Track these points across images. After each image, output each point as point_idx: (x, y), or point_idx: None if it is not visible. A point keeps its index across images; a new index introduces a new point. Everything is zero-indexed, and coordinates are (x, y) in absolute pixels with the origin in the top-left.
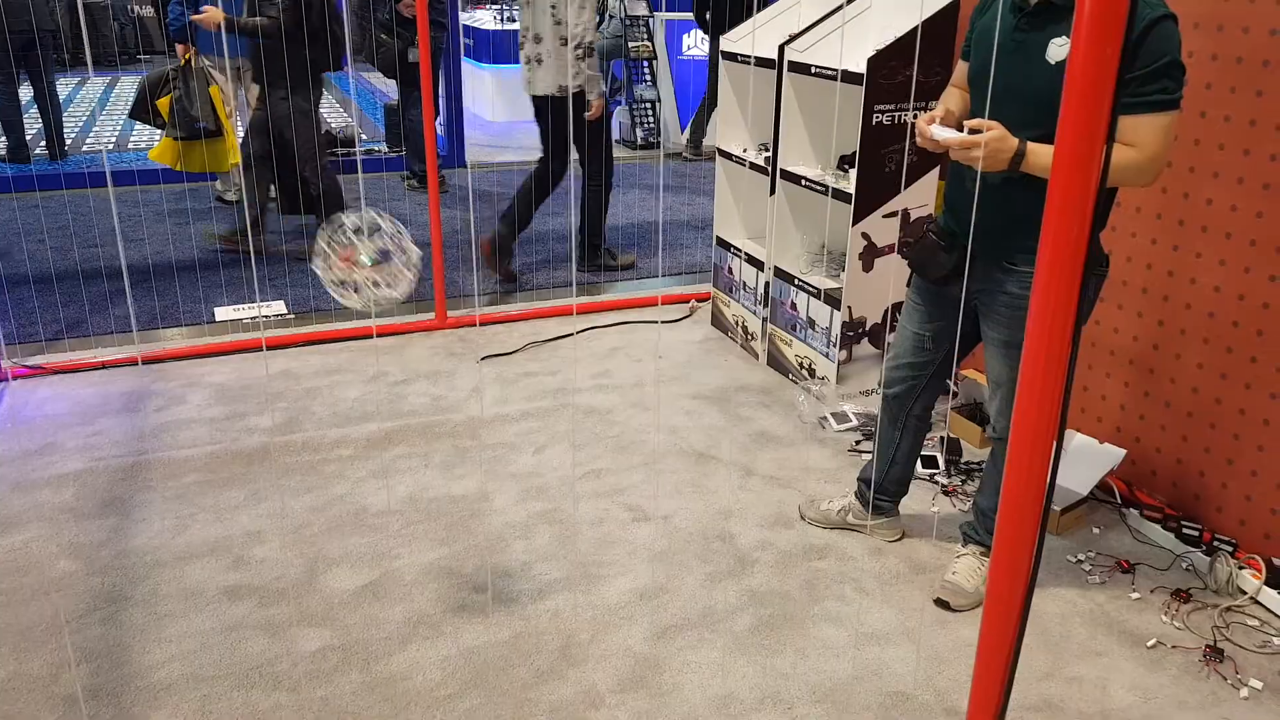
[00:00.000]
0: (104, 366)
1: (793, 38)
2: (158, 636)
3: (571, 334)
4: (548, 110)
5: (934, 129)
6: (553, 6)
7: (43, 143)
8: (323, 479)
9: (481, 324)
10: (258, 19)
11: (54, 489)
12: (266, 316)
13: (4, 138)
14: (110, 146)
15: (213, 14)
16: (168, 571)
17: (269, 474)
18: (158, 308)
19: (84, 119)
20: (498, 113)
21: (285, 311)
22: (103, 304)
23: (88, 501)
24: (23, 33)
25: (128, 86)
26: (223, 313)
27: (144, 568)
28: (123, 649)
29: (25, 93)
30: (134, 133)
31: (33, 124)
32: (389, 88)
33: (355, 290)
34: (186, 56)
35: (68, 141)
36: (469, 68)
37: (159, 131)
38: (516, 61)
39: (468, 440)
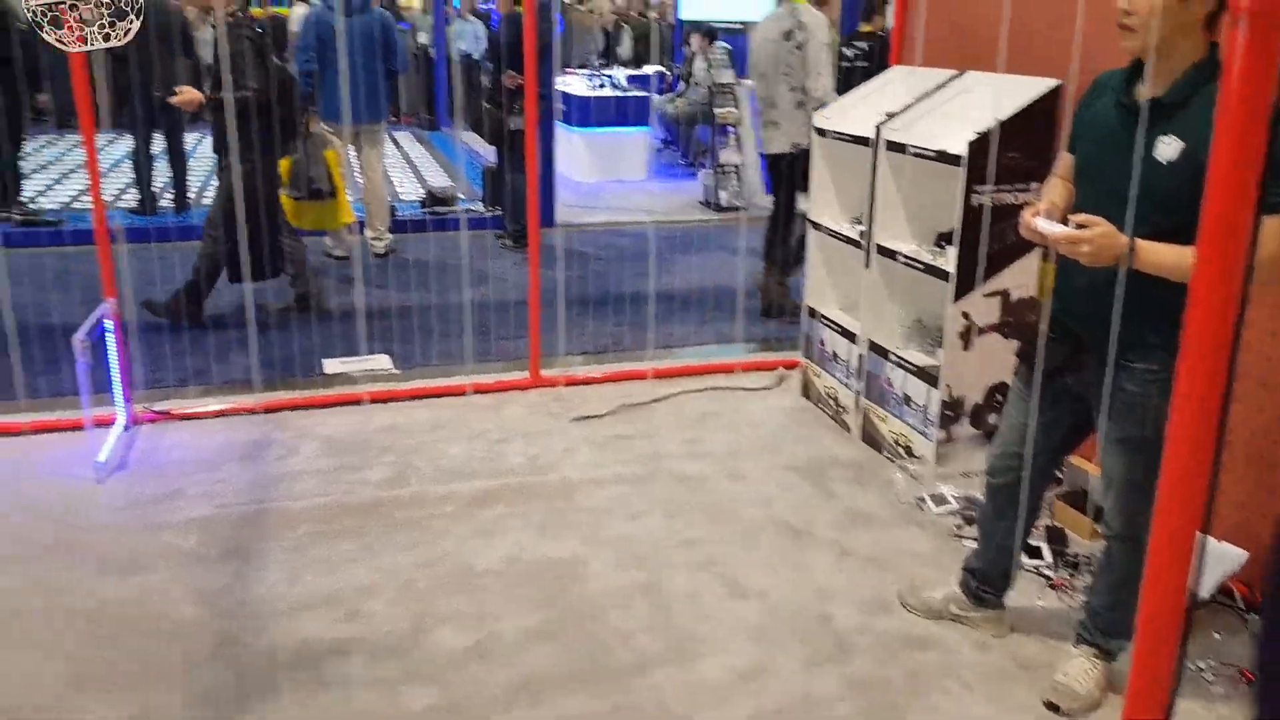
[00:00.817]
0: (225, 415)
1: (890, 116)
2: (274, 686)
3: (662, 398)
4: (781, 166)
5: (1038, 222)
6: (786, 73)
7: (168, 195)
8: (428, 535)
9: (574, 384)
10: (232, 95)
11: (180, 533)
12: (373, 370)
13: (136, 190)
14: None
15: (190, 95)
16: (284, 621)
17: (378, 528)
18: (275, 357)
19: (206, 174)
20: (587, 174)
21: (390, 366)
22: (225, 352)
23: (210, 547)
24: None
25: None
26: (331, 365)
27: (262, 616)
28: (242, 697)
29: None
30: None
31: (159, 177)
32: (487, 149)
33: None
34: (308, 122)
35: (190, 194)
36: (560, 131)
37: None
38: (606, 125)
39: (563, 502)
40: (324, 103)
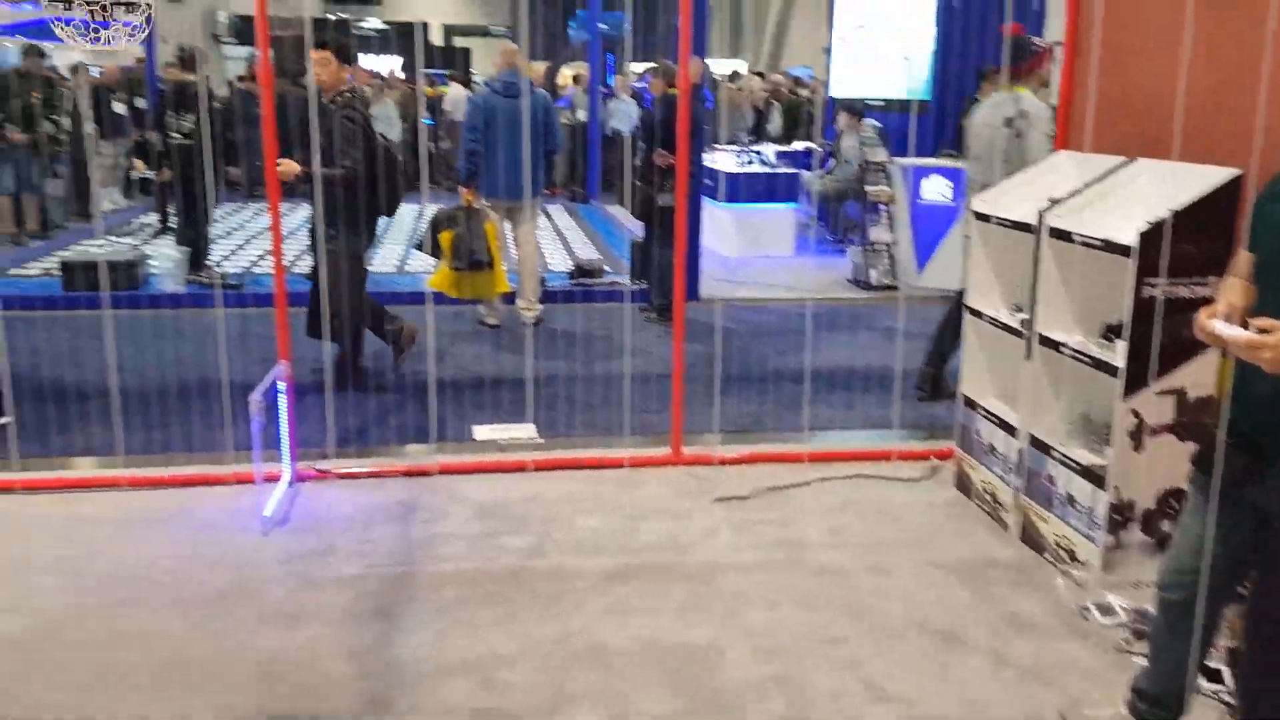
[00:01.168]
0: (379, 476)
1: (1054, 202)
2: None
3: (806, 483)
4: None
5: (1216, 324)
6: (1004, 160)
7: None
8: (566, 608)
9: (715, 463)
10: (333, 170)
11: (334, 590)
12: (518, 439)
13: (311, 256)
14: (395, 269)
15: (289, 166)
16: (427, 684)
17: (519, 597)
18: (427, 421)
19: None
20: (733, 248)
21: (535, 435)
22: (382, 415)
23: (361, 605)
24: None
25: (407, 212)
26: (480, 432)
27: (407, 678)
28: None
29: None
30: (410, 257)
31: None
32: (635, 224)
33: None
34: (469, 199)
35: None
36: (707, 205)
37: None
38: (754, 201)
39: (701, 586)
40: (486, 180)
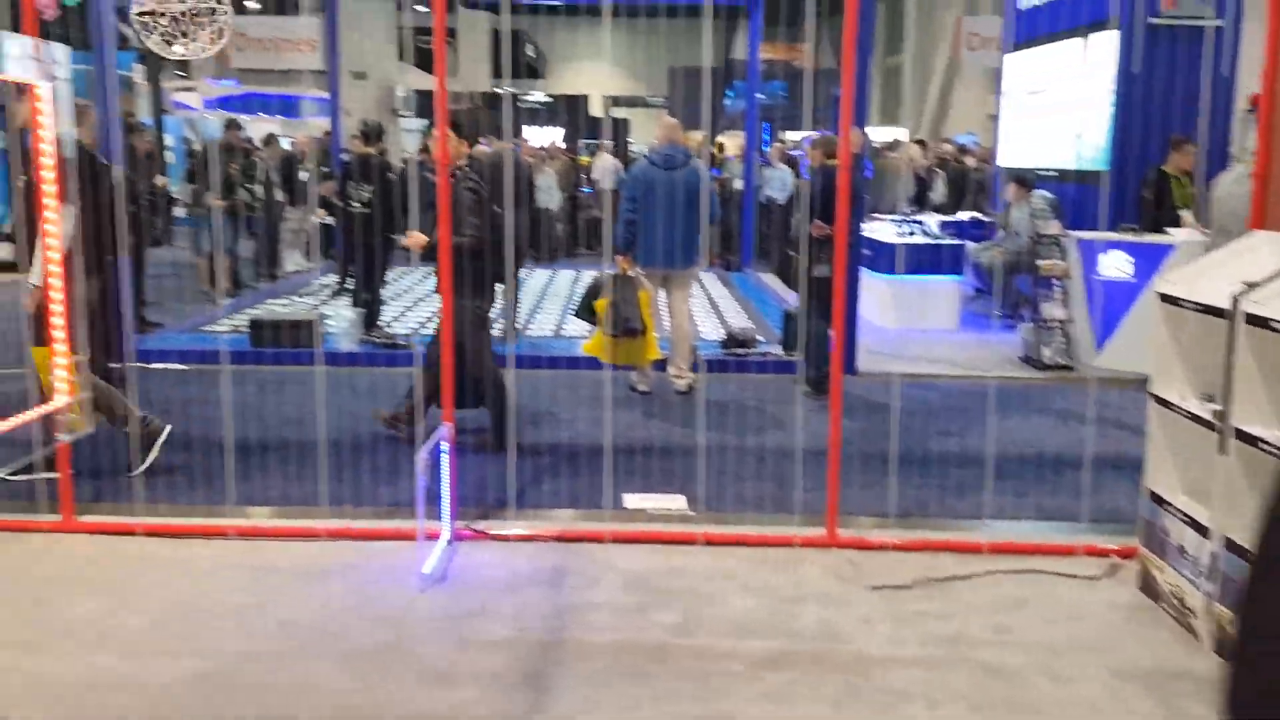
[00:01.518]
0: (533, 539)
1: (1250, 286)
2: None
3: (971, 575)
4: None
5: None
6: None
7: (500, 323)
8: (714, 691)
9: (872, 548)
10: (459, 238)
11: (487, 652)
12: (669, 510)
13: None
14: (551, 333)
15: (416, 238)
16: None
17: (667, 674)
18: (578, 485)
19: (530, 306)
20: (892, 320)
21: (686, 507)
22: (538, 477)
23: (513, 670)
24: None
25: (564, 278)
26: (631, 500)
27: None
28: None
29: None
30: (566, 322)
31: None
32: (789, 293)
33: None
34: (625, 267)
35: (519, 323)
36: (865, 276)
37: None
38: (915, 272)
39: (858, 678)
40: (642, 249)
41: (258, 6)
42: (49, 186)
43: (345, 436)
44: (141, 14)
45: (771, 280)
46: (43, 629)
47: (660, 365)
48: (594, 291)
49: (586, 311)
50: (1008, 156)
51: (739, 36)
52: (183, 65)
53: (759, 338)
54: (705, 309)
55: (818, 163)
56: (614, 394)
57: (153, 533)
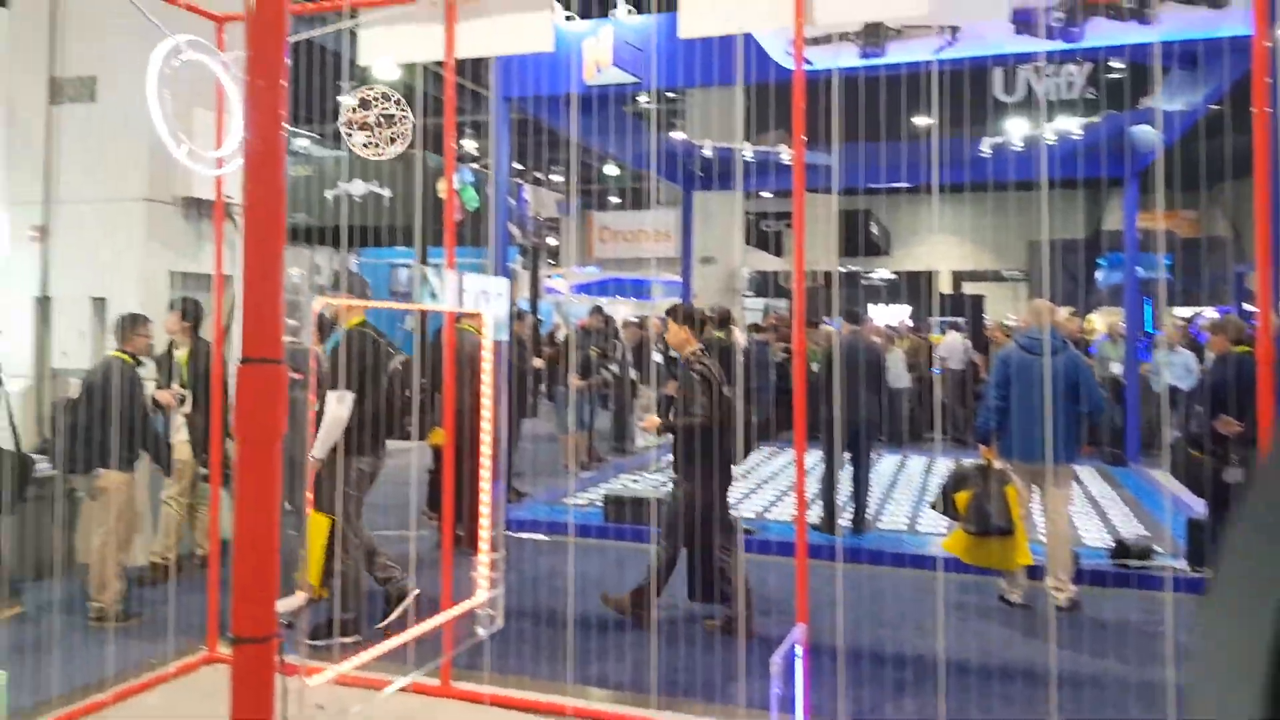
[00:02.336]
0: None
1: None
2: None
3: None
4: None
5: None
6: None
7: (846, 514)
8: None
9: None
10: (687, 419)
11: None
12: None
13: (821, 506)
14: (904, 526)
15: (651, 422)
16: None
17: None
18: (936, 704)
19: (880, 494)
20: None
21: None
22: (898, 692)
23: None
24: (853, 421)
25: (915, 465)
26: None
27: None
28: None
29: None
30: (921, 515)
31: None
32: (1192, 498)
33: None
34: (989, 458)
35: (869, 514)
36: None
37: (944, 518)
38: None
39: None
40: (1007, 440)
41: (618, 201)
42: (486, 389)
43: (679, 619)
44: (345, 125)
45: (1165, 479)
46: None
47: (1033, 572)
48: (955, 483)
49: (945, 504)
50: None
51: (1110, 205)
52: (554, 254)
53: (1156, 548)
54: (1086, 509)
55: (1220, 349)
56: (977, 601)
57: (497, 703)
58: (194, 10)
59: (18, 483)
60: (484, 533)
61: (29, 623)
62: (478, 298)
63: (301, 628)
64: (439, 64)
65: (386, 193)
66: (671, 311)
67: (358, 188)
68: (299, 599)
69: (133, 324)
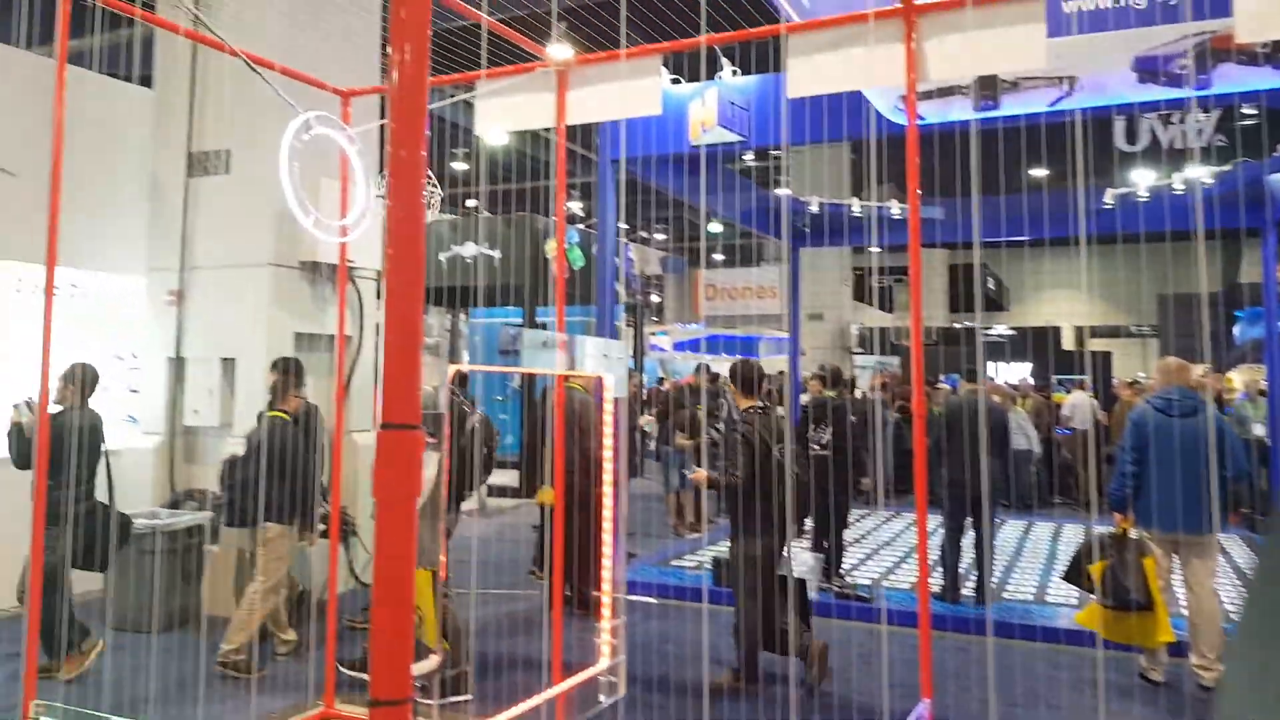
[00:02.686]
0: None
1: None
2: None
3: None
4: None
5: None
6: None
7: (969, 583)
8: None
9: None
10: (729, 477)
11: None
12: None
13: (942, 574)
14: (1031, 597)
15: (700, 475)
16: None
17: None
18: None
19: (1004, 563)
20: None
21: None
22: None
23: None
24: (974, 484)
25: (1041, 531)
26: None
27: None
28: None
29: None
30: (1050, 585)
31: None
32: None
33: None
34: (1125, 526)
35: (991, 583)
36: None
37: (1075, 589)
38: None
39: None
40: (1144, 507)
41: (722, 258)
42: (607, 449)
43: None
44: (380, 196)
45: None
46: None
47: (1176, 649)
48: (1087, 552)
49: (1078, 575)
50: None
51: (1248, 256)
52: (657, 311)
53: None
54: (1231, 582)
55: None
56: (1117, 679)
57: None
58: (320, 86)
59: (119, 539)
60: (605, 597)
61: (142, 672)
62: (598, 361)
63: (433, 689)
64: (547, 130)
65: (496, 254)
66: (731, 372)
67: (469, 249)
68: (433, 662)
69: (288, 385)
